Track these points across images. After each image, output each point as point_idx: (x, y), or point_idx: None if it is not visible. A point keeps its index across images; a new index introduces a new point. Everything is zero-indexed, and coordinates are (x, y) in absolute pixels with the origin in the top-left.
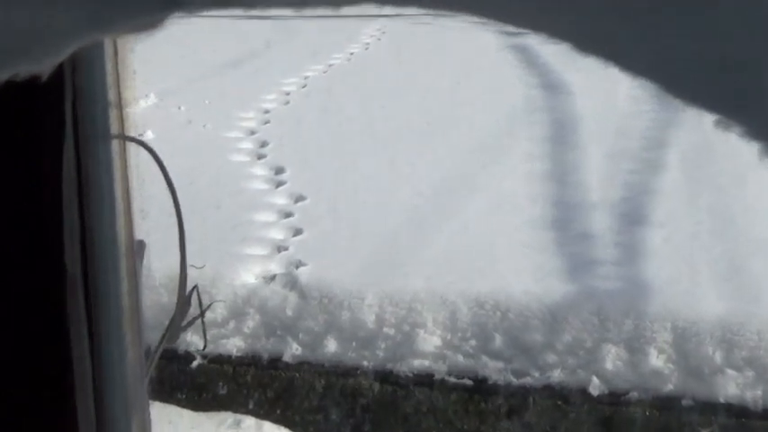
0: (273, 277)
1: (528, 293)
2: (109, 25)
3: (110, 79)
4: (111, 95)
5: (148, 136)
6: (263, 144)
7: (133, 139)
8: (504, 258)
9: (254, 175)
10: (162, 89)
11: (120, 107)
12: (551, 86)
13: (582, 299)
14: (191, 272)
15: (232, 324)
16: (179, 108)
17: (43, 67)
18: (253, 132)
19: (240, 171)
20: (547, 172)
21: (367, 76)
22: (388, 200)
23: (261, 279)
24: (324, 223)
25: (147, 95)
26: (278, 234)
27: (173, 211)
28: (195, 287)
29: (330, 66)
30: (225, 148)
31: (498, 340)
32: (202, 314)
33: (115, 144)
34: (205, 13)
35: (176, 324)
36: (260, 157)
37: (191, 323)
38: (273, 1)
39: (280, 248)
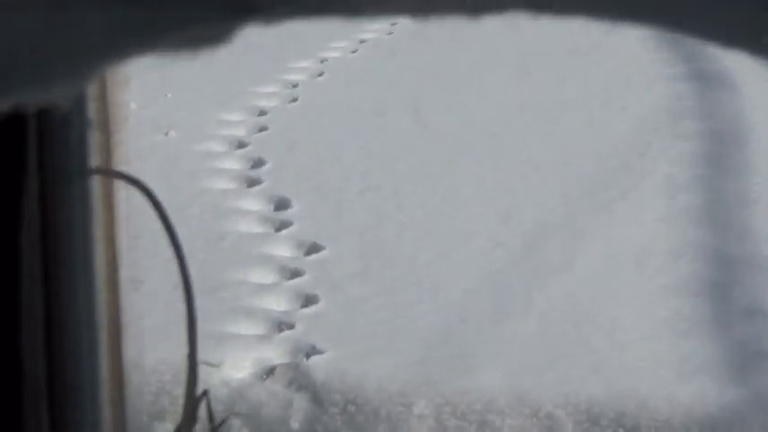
0: (272, 370)
1: (669, 400)
2: (155, 40)
3: (91, 90)
4: (93, 113)
5: None
6: (258, 163)
7: (123, 176)
8: (630, 344)
9: (244, 210)
10: None
11: (104, 130)
12: (705, 78)
13: (753, 410)
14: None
15: None
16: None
17: (56, 97)
18: (241, 145)
19: (222, 204)
20: (699, 210)
21: (417, 60)
22: (449, 252)
23: (253, 373)
24: (350, 287)
25: None
26: (279, 303)
27: (177, 279)
28: (205, 393)
29: (362, 42)
30: (198, 168)
31: None
32: (215, 431)
33: (97, 183)
34: (285, 22)
35: None
36: (252, 183)
37: None
38: (386, 6)
39: (282, 326)
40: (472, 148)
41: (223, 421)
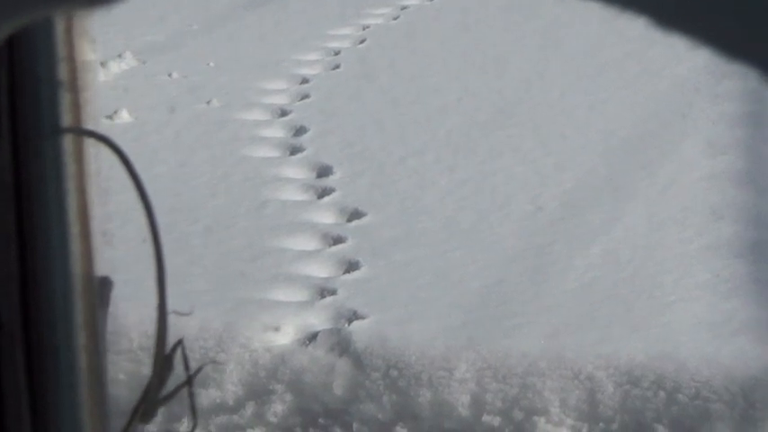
0: (314, 336)
1: (708, 361)
2: None
3: (60, 51)
4: (62, 74)
5: (123, 118)
6: (300, 131)
7: (93, 134)
8: (669, 305)
9: (286, 178)
10: (143, 44)
11: (74, 90)
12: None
13: None
14: (174, 321)
15: (250, 408)
16: (169, 75)
17: None
18: (284, 113)
19: (264, 172)
20: (740, 173)
21: (460, 26)
22: (491, 216)
23: (295, 339)
24: (392, 253)
25: (120, 55)
26: (321, 270)
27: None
28: (179, 342)
29: (404, 8)
30: (240, 136)
31: None
32: (190, 380)
33: (68, 141)
34: None
35: (152, 394)
36: (294, 151)
37: (173, 394)
38: None
39: (324, 292)
40: (513, 111)
41: (198, 370)
